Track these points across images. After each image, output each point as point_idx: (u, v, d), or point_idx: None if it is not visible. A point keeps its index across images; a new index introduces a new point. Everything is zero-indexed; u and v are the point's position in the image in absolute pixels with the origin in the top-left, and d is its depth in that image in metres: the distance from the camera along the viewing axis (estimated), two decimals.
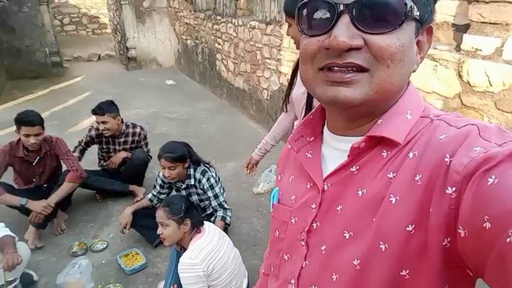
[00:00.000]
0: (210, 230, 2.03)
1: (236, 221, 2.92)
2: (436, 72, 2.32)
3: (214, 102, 6.33)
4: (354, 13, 0.51)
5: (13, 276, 2.15)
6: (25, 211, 2.73)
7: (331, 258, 0.61)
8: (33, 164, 2.89)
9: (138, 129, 3.39)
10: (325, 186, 0.63)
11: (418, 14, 0.53)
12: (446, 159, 0.49)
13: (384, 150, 0.57)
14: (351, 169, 0.60)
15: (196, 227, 1.98)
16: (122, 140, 3.32)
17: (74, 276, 2.33)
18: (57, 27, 10.71)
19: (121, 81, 7.67)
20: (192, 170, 2.64)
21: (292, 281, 0.69)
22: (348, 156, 0.60)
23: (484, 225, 0.42)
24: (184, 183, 2.67)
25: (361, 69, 0.53)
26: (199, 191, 2.67)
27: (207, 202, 2.69)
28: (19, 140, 2.78)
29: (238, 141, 4.70)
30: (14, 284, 1.99)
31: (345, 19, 0.52)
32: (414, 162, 0.53)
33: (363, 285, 0.57)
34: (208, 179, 2.62)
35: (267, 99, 4.81)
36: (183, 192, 2.71)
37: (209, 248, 1.89)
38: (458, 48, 2.23)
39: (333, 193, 0.62)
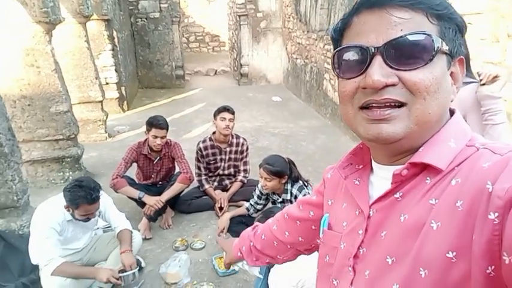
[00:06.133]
0: None
1: None
2: None
3: (317, 121, 6.35)
4: (385, 54, 0.55)
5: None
6: (141, 203, 3.11)
7: (374, 284, 0.62)
8: (154, 162, 3.30)
9: (241, 140, 3.56)
10: (371, 213, 0.64)
11: (447, 48, 0.56)
12: (488, 186, 0.48)
13: (428, 177, 0.57)
14: (395, 196, 0.60)
15: None
16: (228, 149, 3.53)
17: (174, 268, 2.57)
18: (184, 44, 12.01)
19: (232, 94, 8.23)
20: (289, 185, 2.69)
21: None
22: (392, 183, 0.60)
23: None
24: (280, 197, 2.74)
25: (399, 104, 0.56)
26: None
27: None
28: (146, 140, 3.23)
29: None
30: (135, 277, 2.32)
31: (378, 60, 0.56)
32: (456, 189, 0.53)
33: None
34: (304, 196, 2.63)
35: None
36: (279, 206, 2.78)
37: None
38: None
39: (378, 219, 0.63)
